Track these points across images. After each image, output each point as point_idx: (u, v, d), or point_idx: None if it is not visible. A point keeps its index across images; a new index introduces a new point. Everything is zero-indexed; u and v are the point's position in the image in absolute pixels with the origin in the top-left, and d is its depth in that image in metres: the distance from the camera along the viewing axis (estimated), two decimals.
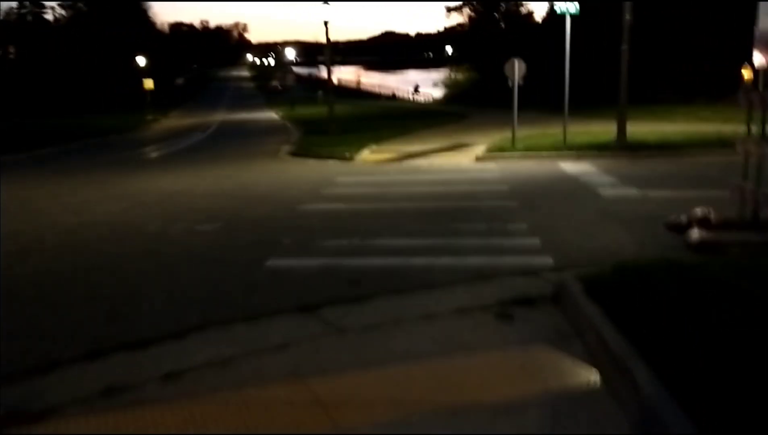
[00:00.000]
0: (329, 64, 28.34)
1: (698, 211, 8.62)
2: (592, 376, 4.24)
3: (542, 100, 32.76)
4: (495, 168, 15.52)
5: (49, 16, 75.02)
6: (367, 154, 19.57)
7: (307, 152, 20.67)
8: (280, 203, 11.79)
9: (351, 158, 18.78)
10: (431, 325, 5.17)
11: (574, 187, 12.44)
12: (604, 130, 21.62)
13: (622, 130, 17.46)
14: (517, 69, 17.89)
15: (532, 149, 17.60)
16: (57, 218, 11.29)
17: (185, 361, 4.62)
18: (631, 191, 11.63)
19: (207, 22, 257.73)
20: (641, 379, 3.81)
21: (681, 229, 8.34)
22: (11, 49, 71.92)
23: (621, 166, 14.89)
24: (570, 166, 15.17)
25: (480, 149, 18.78)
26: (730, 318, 4.32)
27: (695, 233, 7.76)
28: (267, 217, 10.51)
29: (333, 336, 5.04)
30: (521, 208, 10.42)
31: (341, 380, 4.27)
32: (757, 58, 7.93)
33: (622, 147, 16.98)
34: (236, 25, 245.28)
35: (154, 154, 24.59)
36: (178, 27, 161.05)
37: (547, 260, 7.14)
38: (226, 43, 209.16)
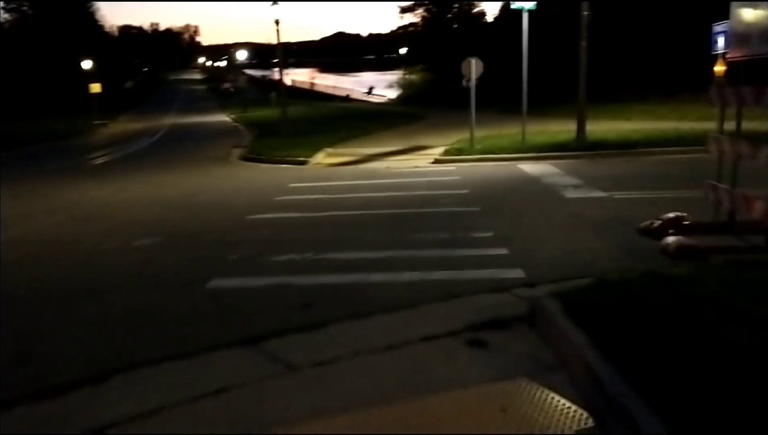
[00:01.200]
0: (281, 65, 27.56)
1: (671, 214, 8.17)
2: (582, 418, 3.65)
3: (498, 99, 32.49)
4: (454, 171, 14.98)
5: None
6: (322, 158, 18.87)
7: (259, 156, 19.87)
8: (229, 213, 11.02)
9: (305, 162, 18.07)
10: (395, 358, 4.52)
11: (537, 189, 11.95)
12: (562, 129, 21.31)
13: (581, 129, 17.11)
14: (474, 68, 17.38)
15: (491, 151, 17.11)
16: None
17: (104, 413, 3.88)
18: (597, 193, 11.17)
19: (157, 24, 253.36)
20: (644, 423, 3.24)
21: (655, 233, 7.87)
22: None
23: (582, 167, 14.49)
24: (531, 168, 14.72)
25: (438, 151, 18.25)
26: (740, 347, 3.77)
27: (672, 239, 7.28)
28: (213, 228, 9.73)
29: (282, 376, 4.35)
30: (484, 213, 9.85)
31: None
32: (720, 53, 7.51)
33: (582, 146, 16.61)
34: (187, 27, 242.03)
35: (98, 161, 23.45)
36: (127, 30, 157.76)
37: (518, 273, 6.55)
38: (178, 45, 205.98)
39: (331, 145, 21.49)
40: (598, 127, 19.38)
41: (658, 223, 8.06)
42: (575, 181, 12.52)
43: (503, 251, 7.45)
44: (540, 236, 8.18)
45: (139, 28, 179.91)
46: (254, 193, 13.07)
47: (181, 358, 4.65)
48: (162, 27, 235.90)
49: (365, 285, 6.40)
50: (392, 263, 7.19)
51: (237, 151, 22.22)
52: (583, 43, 16.66)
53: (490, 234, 8.39)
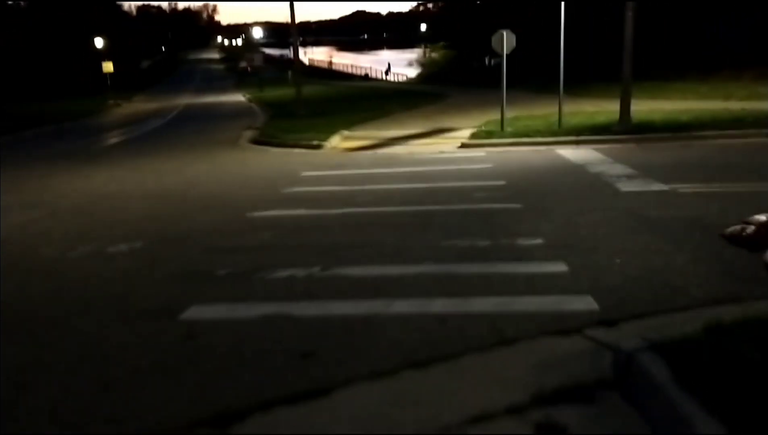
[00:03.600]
0: (295, 43, 25.99)
1: (762, 217, 6.58)
2: None
3: (525, 77, 30.68)
4: (485, 157, 13.37)
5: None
6: (338, 141, 17.32)
7: (270, 139, 18.33)
8: (228, 208, 9.53)
9: (319, 146, 16.52)
10: None
11: (584, 180, 10.34)
12: (598, 109, 19.66)
13: (626, 109, 15.33)
14: (506, 42, 15.68)
15: (525, 134, 15.44)
16: None
17: None
18: (656, 185, 9.55)
19: (175, 4, 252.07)
20: None
21: (748, 242, 6.27)
22: None
23: (630, 153, 12.82)
24: (571, 153, 13.07)
25: (464, 134, 16.61)
26: None
27: None
28: (207, 230, 8.24)
29: None
30: (528, 212, 8.27)
31: None
32: None
33: (627, 129, 14.88)
34: (206, 6, 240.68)
35: (102, 144, 22.05)
36: (145, 9, 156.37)
37: (587, 303, 4.99)
38: (196, 25, 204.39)
39: (349, 127, 19.91)
40: (638, 107, 17.50)
41: (750, 228, 6.46)
42: (627, 170, 10.88)
43: (561, 268, 5.89)
44: (602, 245, 6.60)
45: (158, 8, 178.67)
46: (261, 184, 11.57)
47: None
48: (180, 6, 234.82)
49: (385, 320, 4.87)
50: (419, 284, 5.66)
51: (248, 134, 20.70)
52: (630, 13, 14.86)
53: (539, 241, 6.83)
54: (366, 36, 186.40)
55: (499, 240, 6.93)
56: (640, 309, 4.75)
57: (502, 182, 10.44)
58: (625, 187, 9.58)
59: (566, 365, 3.86)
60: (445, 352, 4.17)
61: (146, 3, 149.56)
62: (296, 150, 16.38)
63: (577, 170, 11.27)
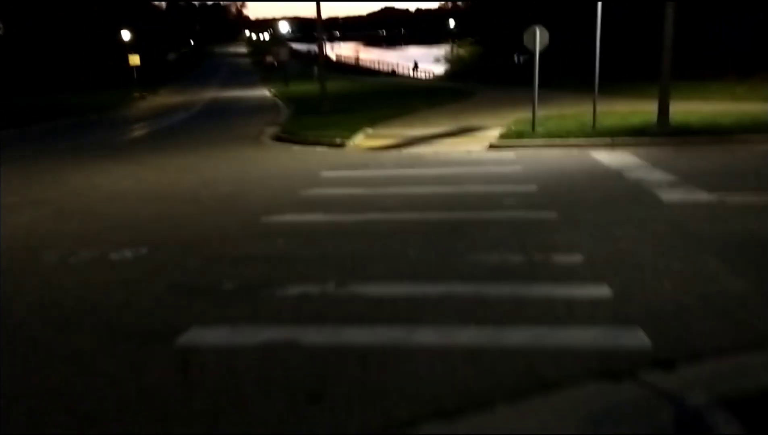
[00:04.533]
0: (320, 39, 25.45)
1: None
2: None
3: (552, 74, 29.87)
4: (515, 159, 12.70)
5: None
6: (361, 139, 16.74)
7: (292, 136, 17.82)
8: (242, 211, 9.00)
9: (342, 144, 15.97)
10: None
11: (622, 187, 9.64)
12: (631, 110, 18.83)
13: (664, 111, 14.55)
14: (539, 38, 14.97)
15: (556, 135, 14.73)
16: None
17: None
18: (701, 195, 8.83)
19: None
20: None
21: None
22: (0, 25, 68.50)
23: (669, 157, 12.06)
24: (606, 157, 12.36)
25: (493, 134, 15.94)
26: None
27: None
28: (217, 235, 7.70)
29: None
30: (563, 222, 7.62)
31: None
32: None
33: (666, 132, 14.12)
34: (237, 2, 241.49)
35: (123, 138, 21.68)
36: (175, 3, 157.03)
37: (638, 338, 4.35)
38: (225, 19, 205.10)
39: (373, 124, 19.33)
40: (673, 108, 16.71)
41: None
42: (668, 176, 10.16)
43: (604, 291, 5.25)
44: (647, 264, 5.95)
45: (187, 2, 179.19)
46: (279, 185, 11.03)
47: None
48: (209, 1, 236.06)
49: (405, 352, 4.27)
50: (445, 307, 5.05)
51: (271, 130, 20.21)
52: (670, 10, 14.09)
53: (578, 257, 6.19)
54: (393, 32, 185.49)
55: (533, 255, 6.30)
56: (700, 346, 4.12)
57: (533, 187, 9.79)
58: (668, 196, 8.88)
59: (619, 420, 3.25)
60: (475, 398, 3.57)
61: None
62: (318, 148, 15.84)
63: (613, 176, 10.57)
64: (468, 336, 4.49)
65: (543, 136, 14.73)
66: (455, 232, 7.34)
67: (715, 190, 8.95)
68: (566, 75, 29.75)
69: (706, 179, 9.80)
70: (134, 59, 49.93)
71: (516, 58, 45.72)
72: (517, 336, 4.45)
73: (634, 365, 3.87)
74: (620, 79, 27.26)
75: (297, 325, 4.78)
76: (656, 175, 10.30)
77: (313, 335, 4.59)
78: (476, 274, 5.82)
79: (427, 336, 4.51)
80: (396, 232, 7.45)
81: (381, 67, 73.58)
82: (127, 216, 9.01)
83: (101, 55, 63.37)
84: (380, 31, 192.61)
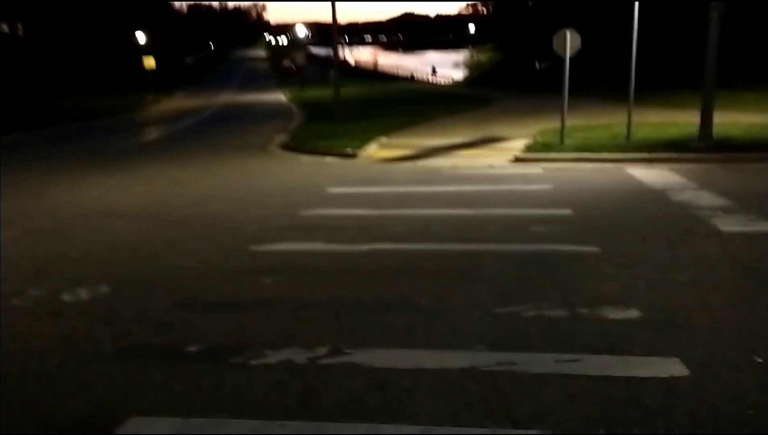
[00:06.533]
0: (335, 42, 24.32)
1: None
2: None
3: (577, 81, 28.51)
4: (542, 175, 11.44)
5: None
6: (374, 150, 15.56)
7: (301, 146, 16.66)
8: (231, 237, 7.81)
9: (354, 155, 14.79)
10: None
11: (668, 213, 8.36)
12: (666, 120, 17.55)
13: (707, 123, 13.20)
14: (570, 42, 13.71)
15: (587, 148, 13.44)
16: None
17: None
18: (763, 225, 7.55)
19: (225, 3, 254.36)
20: None
21: None
22: (20, 27, 68.11)
23: (716, 176, 10.75)
24: (644, 174, 11.08)
25: (516, 145, 14.69)
26: None
27: None
28: (195, 269, 6.50)
29: None
30: (607, 259, 6.36)
31: None
32: None
33: (707, 146, 12.78)
34: (254, 5, 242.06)
35: (124, 145, 20.57)
36: (196, 7, 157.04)
37: None
38: (244, 23, 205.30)
39: (387, 132, 18.14)
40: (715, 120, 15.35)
41: None
42: (719, 200, 8.87)
43: (677, 368, 3.98)
44: (723, 324, 4.67)
45: (209, 6, 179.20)
46: (278, 203, 9.84)
47: None
48: (230, 5, 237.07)
49: None
50: (466, 393, 3.81)
51: (280, 138, 19.08)
52: (715, 14, 12.75)
53: (634, 313, 4.92)
54: (413, 37, 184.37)
55: (576, 307, 5.05)
56: None
57: (567, 211, 8.52)
58: (726, 225, 7.58)
59: None
60: None
61: (197, 2, 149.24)
62: (327, 158, 14.68)
63: (656, 198, 9.28)
64: None
65: (572, 149, 13.44)
66: (476, 271, 6.10)
67: None
68: (592, 82, 28.37)
69: (762, 205, 8.52)
70: (149, 62, 49.28)
71: (538, 65, 44.37)
72: None
73: None
74: (652, 87, 25.81)
75: (269, 418, 3.56)
76: (706, 199, 9.00)
77: None
78: (506, 336, 4.58)
79: None
80: (406, 270, 6.22)
81: (399, 72, 72.47)
82: (99, 241, 7.85)
83: (118, 58, 62.89)
84: (398, 35, 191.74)
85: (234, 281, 6.07)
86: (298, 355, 4.34)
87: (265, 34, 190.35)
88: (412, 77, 66.35)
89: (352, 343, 4.51)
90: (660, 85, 26.15)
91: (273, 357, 4.34)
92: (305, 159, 15.00)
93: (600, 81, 28.66)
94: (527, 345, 4.44)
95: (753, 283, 5.54)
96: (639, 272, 5.91)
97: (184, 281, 6.09)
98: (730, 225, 7.58)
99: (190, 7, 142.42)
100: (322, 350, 4.40)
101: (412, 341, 4.57)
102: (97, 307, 5.47)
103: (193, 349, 4.53)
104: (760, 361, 4.10)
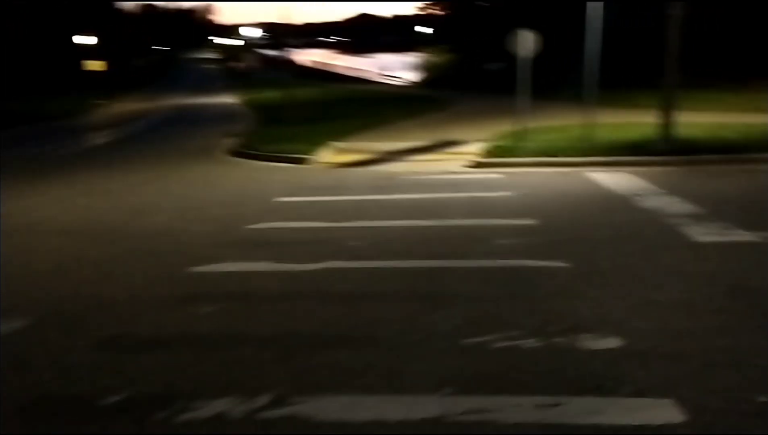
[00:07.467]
0: (280, 44, 23.65)
1: None
2: None
3: (539, 83, 28.25)
4: (503, 181, 10.97)
5: None
6: (328, 155, 14.91)
7: (249, 151, 15.89)
8: (167, 256, 7.09)
9: (304, 160, 14.13)
10: None
11: (638, 221, 7.94)
12: (625, 121, 17.23)
13: (668, 124, 12.88)
14: (525, 43, 13.29)
15: (547, 152, 13.00)
16: None
17: None
18: (740, 234, 7.15)
19: (180, 3, 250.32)
20: None
21: None
22: None
23: (682, 180, 10.43)
24: (608, 179, 10.68)
25: (474, 149, 14.20)
26: None
27: None
28: (123, 297, 5.76)
29: None
30: (580, 276, 5.85)
31: None
32: None
33: (672, 149, 12.47)
34: (206, 7, 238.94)
35: (62, 152, 19.44)
36: (149, 8, 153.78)
37: None
38: (194, 24, 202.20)
39: (341, 136, 17.49)
40: (680, 120, 15.06)
41: None
42: (688, 206, 8.48)
43: (674, 416, 3.45)
44: (715, 354, 4.19)
45: (159, 7, 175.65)
46: (224, 214, 9.14)
47: None
48: (185, 5, 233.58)
49: None
50: None
51: (228, 142, 18.27)
52: (674, 13, 12.46)
53: (616, 341, 4.40)
54: (367, 38, 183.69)
55: (551, 336, 4.52)
56: None
57: (531, 221, 8.02)
58: (699, 235, 7.17)
59: None
60: None
61: (147, 3, 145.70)
62: (277, 164, 13.99)
63: (623, 205, 8.86)
64: None
65: (533, 153, 12.98)
66: (439, 292, 5.54)
67: (753, 227, 7.31)
68: (557, 84, 28.16)
69: (735, 210, 8.19)
70: (93, 64, 47.76)
71: (488, 67, 44.02)
72: None
73: None
74: (616, 87, 25.54)
75: None
76: (674, 205, 8.62)
77: None
78: (477, 376, 4.01)
79: None
80: (364, 295, 5.61)
81: (354, 73, 71.82)
82: (20, 264, 7.04)
83: (66, 60, 60.76)
84: (350, 38, 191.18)
85: (167, 312, 5.37)
86: (234, 407, 3.70)
87: (218, 35, 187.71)
88: (367, 79, 65.84)
89: (299, 389, 3.89)
90: (625, 85, 25.87)
91: (204, 410, 3.68)
92: (255, 164, 14.31)
93: (565, 83, 28.43)
94: (501, 386, 3.87)
95: (740, 304, 5.09)
96: (615, 292, 5.41)
97: (111, 313, 5.37)
98: (703, 235, 7.16)
99: (143, 8, 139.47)
100: (263, 399, 3.77)
101: (371, 384, 3.96)
102: (4, 348, 4.72)
103: (111, 400, 3.84)
104: (765, 400, 3.61)
